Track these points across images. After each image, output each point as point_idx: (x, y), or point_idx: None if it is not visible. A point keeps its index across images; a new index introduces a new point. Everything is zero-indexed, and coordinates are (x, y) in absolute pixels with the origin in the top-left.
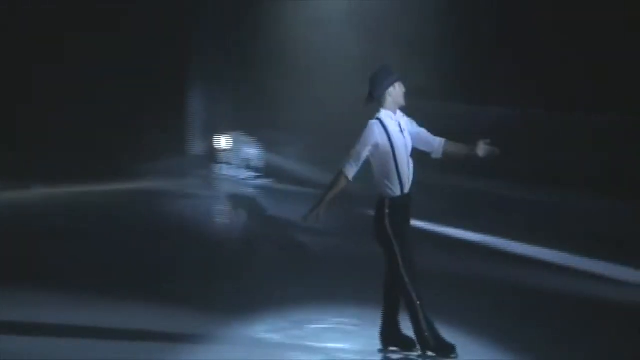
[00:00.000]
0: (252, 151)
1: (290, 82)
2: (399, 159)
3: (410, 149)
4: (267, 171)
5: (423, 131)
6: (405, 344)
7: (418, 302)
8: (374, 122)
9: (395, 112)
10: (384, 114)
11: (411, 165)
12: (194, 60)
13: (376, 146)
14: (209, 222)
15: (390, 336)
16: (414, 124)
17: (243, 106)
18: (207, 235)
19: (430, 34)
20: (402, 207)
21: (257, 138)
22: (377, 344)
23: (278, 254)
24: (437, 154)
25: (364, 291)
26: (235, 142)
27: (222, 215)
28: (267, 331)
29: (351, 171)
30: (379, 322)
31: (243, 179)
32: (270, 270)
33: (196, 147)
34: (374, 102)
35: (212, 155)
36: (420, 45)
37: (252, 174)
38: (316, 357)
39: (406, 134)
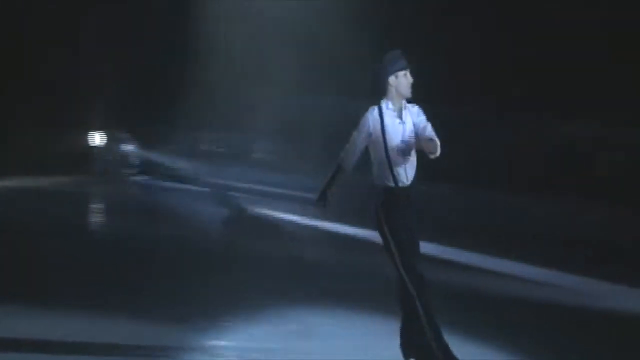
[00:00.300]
0: (128, 148)
1: (171, 79)
2: (391, 149)
3: (408, 139)
4: (144, 167)
5: (427, 126)
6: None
7: (421, 307)
8: (369, 110)
9: (398, 102)
10: (384, 102)
11: (411, 157)
12: (75, 58)
13: (369, 135)
14: (82, 220)
15: (410, 346)
16: (422, 117)
17: (122, 103)
18: (83, 233)
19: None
20: (398, 200)
21: (134, 135)
22: (254, 340)
23: (158, 252)
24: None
25: (241, 288)
26: (109, 139)
27: (96, 212)
28: (147, 331)
29: (347, 161)
30: (254, 319)
31: (119, 175)
32: (151, 268)
33: (72, 144)
34: (378, 91)
35: (88, 152)
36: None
37: (128, 170)
38: (193, 355)
39: (408, 125)
